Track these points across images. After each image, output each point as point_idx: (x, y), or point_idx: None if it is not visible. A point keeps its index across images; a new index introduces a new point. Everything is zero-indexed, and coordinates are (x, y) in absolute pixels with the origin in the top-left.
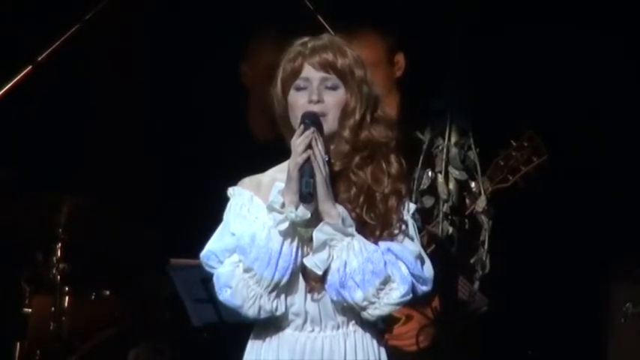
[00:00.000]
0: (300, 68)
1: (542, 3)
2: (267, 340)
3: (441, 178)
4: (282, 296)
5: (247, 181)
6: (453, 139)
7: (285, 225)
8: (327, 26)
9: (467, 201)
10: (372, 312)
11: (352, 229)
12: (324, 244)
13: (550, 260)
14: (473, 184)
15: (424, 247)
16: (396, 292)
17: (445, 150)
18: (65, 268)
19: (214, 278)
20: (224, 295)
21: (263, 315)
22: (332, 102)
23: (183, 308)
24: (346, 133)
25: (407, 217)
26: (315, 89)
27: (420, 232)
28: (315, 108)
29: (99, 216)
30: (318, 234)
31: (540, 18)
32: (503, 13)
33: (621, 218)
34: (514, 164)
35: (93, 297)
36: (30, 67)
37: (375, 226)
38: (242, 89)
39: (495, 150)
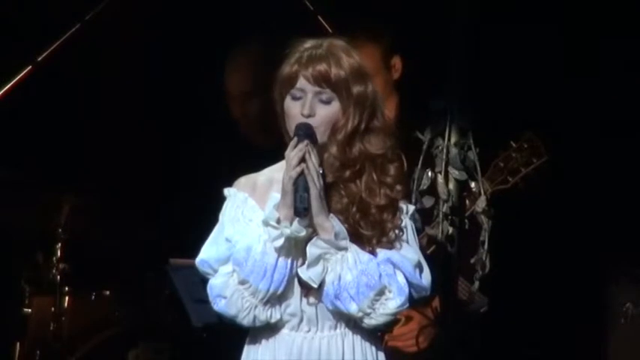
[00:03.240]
0: (295, 78)
1: (542, 3)
2: (264, 340)
3: (440, 178)
4: (277, 305)
5: (243, 180)
6: (453, 140)
7: (281, 241)
8: (327, 26)
9: (467, 201)
10: (369, 322)
11: (346, 242)
12: (318, 258)
13: (550, 260)
14: (473, 185)
15: (423, 248)
16: (392, 303)
17: (445, 150)
18: (65, 269)
19: (208, 288)
20: (218, 305)
21: (258, 324)
22: (324, 116)
23: (183, 308)
24: (334, 149)
25: (405, 221)
26: (308, 102)
27: (419, 233)
28: (307, 121)
29: (99, 216)
30: (312, 248)
31: (542, 18)
32: (504, 13)
33: (621, 218)
34: (514, 166)
35: (93, 297)
36: (30, 67)
37: (370, 235)
38: None
39: (496, 150)
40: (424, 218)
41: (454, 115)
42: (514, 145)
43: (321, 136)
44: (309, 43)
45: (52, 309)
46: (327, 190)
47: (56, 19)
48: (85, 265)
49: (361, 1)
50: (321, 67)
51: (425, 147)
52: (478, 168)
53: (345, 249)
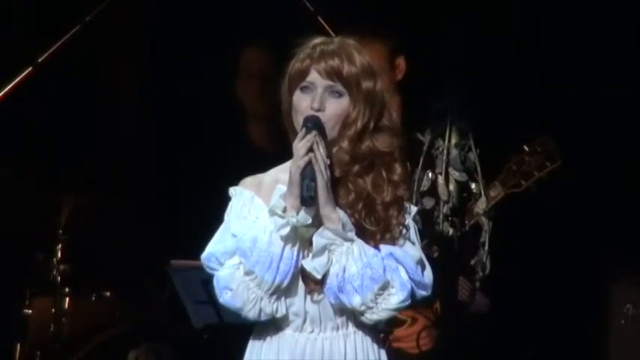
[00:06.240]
0: (306, 71)
1: (543, 3)
2: (268, 340)
3: (441, 179)
4: (283, 298)
5: (249, 180)
6: (454, 141)
7: (287, 230)
8: (327, 27)
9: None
10: (370, 317)
11: (352, 234)
12: (323, 249)
13: (551, 262)
14: (473, 186)
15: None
16: (395, 298)
17: (445, 151)
18: (66, 270)
19: (214, 281)
20: (224, 297)
21: (263, 317)
22: (334, 110)
23: (183, 309)
24: (345, 143)
25: (408, 220)
26: (318, 96)
27: (420, 234)
28: (316, 114)
29: (99, 217)
30: (318, 238)
31: (543, 18)
32: (505, 12)
33: (621, 218)
34: (527, 169)
35: (93, 298)
36: (30, 68)
37: (375, 231)
38: None
39: (495, 151)
40: (424, 219)
41: (454, 116)
42: (527, 148)
43: (331, 132)
44: (319, 40)
45: (53, 310)
46: (335, 185)
47: (56, 20)
48: (86, 266)
49: (361, 1)
50: (334, 62)
51: (425, 148)
52: (478, 169)
53: (351, 240)
